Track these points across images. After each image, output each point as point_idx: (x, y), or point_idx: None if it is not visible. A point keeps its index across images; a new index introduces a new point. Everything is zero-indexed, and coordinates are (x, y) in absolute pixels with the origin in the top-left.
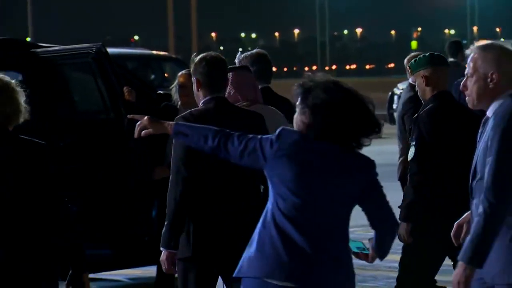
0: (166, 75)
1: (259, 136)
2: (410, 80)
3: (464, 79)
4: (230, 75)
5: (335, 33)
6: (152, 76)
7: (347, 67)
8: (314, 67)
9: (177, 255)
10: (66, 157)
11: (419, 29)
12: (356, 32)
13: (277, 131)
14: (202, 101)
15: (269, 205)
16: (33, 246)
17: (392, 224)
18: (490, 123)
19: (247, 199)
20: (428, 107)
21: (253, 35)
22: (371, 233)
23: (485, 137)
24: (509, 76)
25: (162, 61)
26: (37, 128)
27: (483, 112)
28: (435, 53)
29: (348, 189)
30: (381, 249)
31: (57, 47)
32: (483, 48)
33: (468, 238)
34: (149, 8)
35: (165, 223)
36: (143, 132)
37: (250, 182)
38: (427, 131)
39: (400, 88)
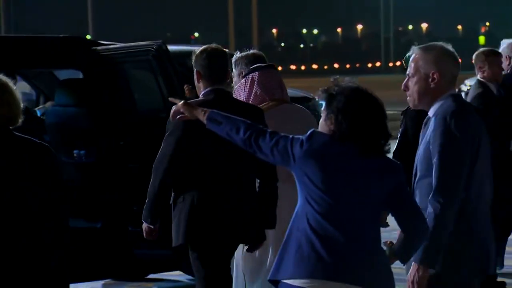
0: None
1: (290, 136)
2: (478, 76)
3: (406, 79)
4: (256, 74)
5: (400, 28)
6: None
7: None
8: (378, 64)
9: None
10: (126, 156)
11: (487, 23)
12: (421, 27)
13: (309, 132)
14: (202, 92)
15: (299, 208)
16: (27, 253)
17: (422, 229)
18: (431, 124)
19: (243, 189)
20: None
21: (315, 31)
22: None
23: (427, 137)
24: (449, 76)
25: None
26: (97, 127)
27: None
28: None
29: (375, 192)
30: (405, 253)
31: (117, 45)
32: (424, 48)
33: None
34: (209, 4)
35: (146, 200)
36: (178, 116)
37: (245, 174)
38: (412, 126)
39: (468, 84)
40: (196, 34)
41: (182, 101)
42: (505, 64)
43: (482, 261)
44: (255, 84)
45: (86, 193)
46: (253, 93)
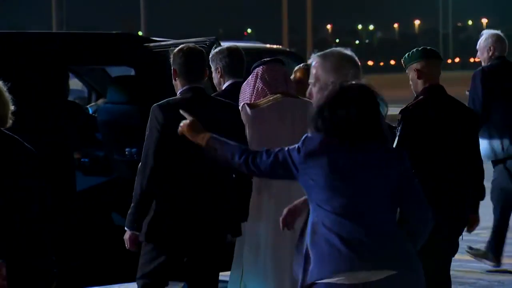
0: None
1: (285, 148)
2: None
3: (309, 87)
4: (260, 68)
5: (459, 24)
6: None
7: (471, 60)
8: None
9: (143, 238)
10: None
11: None
12: (481, 23)
13: (303, 137)
14: (180, 90)
15: (313, 218)
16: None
17: (426, 217)
18: None
19: (219, 189)
20: (418, 99)
21: (371, 27)
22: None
23: None
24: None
25: (276, 55)
26: None
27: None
28: (428, 47)
29: (381, 181)
30: (413, 242)
31: (170, 41)
32: (323, 56)
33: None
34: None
35: (131, 205)
36: (179, 129)
37: (222, 173)
38: (410, 124)
39: None
40: (249, 30)
41: (189, 121)
42: (486, 55)
43: None
44: (258, 79)
45: None
46: (255, 88)
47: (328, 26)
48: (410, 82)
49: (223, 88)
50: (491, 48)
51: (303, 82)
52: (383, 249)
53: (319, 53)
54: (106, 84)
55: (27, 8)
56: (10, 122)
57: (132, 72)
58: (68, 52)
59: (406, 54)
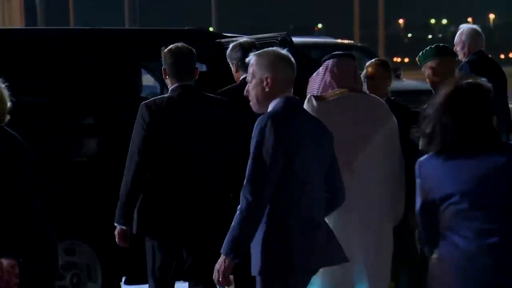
0: None
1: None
2: None
3: (247, 85)
4: (330, 62)
5: None
6: None
7: None
8: (511, 55)
9: (135, 230)
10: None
11: None
12: None
13: (416, 166)
14: (170, 88)
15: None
16: None
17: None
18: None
19: (208, 184)
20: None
21: (444, 21)
22: None
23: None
24: (282, 80)
25: (347, 50)
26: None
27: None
28: (441, 44)
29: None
30: None
31: (241, 37)
32: (259, 54)
33: (229, 231)
34: None
35: (119, 201)
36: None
37: (212, 168)
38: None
39: None
40: (320, 25)
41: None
42: (466, 50)
43: (285, 257)
44: (327, 72)
45: None
46: (323, 80)
47: (400, 21)
48: (427, 80)
49: (239, 82)
50: (470, 43)
51: (375, 78)
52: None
53: (255, 52)
54: None
55: (101, 5)
56: (7, 118)
57: (204, 68)
58: (141, 48)
59: (420, 53)
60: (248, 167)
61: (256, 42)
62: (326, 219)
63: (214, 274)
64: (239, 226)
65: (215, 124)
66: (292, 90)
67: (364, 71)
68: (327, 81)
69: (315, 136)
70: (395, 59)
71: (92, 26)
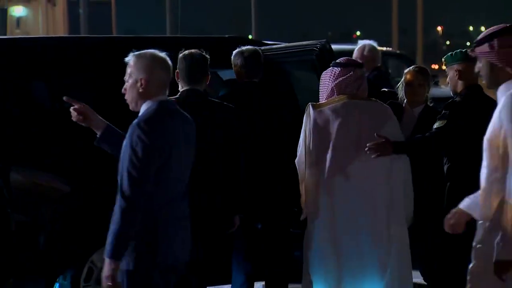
0: (389, 71)
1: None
2: None
3: (125, 84)
4: (335, 69)
5: None
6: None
7: None
8: None
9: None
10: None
11: None
12: None
13: None
14: (180, 91)
15: None
16: None
17: None
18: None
19: (210, 182)
20: (463, 96)
21: (482, 28)
22: None
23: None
24: (157, 82)
25: (385, 57)
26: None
27: None
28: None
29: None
30: None
31: (280, 45)
32: (137, 55)
33: (109, 233)
34: (372, 2)
35: None
36: (75, 118)
37: (212, 167)
38: (461, 115)
39: None
40: (358, 33)
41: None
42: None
43: (161, 255)
44: (331, 78)
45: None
46: (326, 87)
47: (439, 28)
48: (448, 81)
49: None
50: (371, 59)
51: (413, 85)
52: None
53: (134, 53)
54: (218, 87)
55: (143, 12)
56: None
57: None
58: None
59: (449, 54)
60: (125, 168)
61: (260, 50)
62: (326, 227)
63: (102, 282)
64: (119, 227)
65: (223, 126)
66: (167, 92)
67: (403, 78)
68: (329, 89)
69: (189, 137)
70: (433, 66)
71: (134, 34)
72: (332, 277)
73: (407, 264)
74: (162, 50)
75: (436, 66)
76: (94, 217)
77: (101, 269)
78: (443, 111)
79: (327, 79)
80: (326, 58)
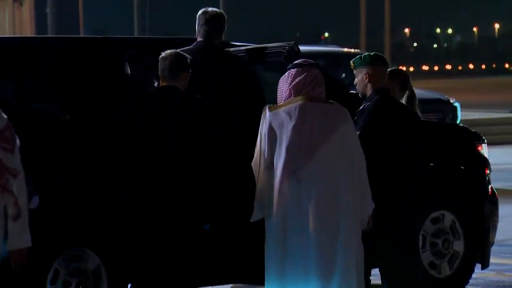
0: None
1: None
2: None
3: None
4: (293, 70)
5: None
6: (343, 75)
7: None
8: None
9: None
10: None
11: None
12: None
13: None
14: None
15: None
16: None
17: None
18: None
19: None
20: (372, 100)
21: (449, 31)
22: None
23: None
24: None
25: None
26: (229, 128)
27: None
28: (378, 54)
29: None
30: None
31: (249, 46)
32: None
33: None
34: (340, 3)
35: None
36: None
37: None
38: (371, 121)
39: None
40: (326, 34)
41: None
42: None
43: None
44: (288, 80)
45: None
46: (284, 88)
47: (406, 30)
48: (356, 83)
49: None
50: None
51: (389, 87)
52: None
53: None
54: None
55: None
56: None
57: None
58: (150, 57)
59: (358, 57)
60: None
61: (181, 52)
62: (278, 230)
63: None
64: None
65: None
66: None
67: None
68: (287, 90)
69: None
70: (400, 67)
71: (101, 35)
72: (276, 279)
73: (357, 270)
74: (129, 51)
75: (404, 68)
76: (58, 219)
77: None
78: (355, 119)
79: (284, 81)
80: (294, 59)
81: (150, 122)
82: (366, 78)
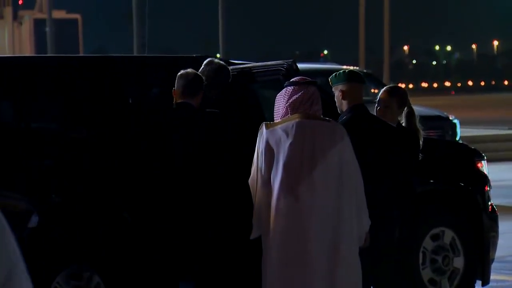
0: None
1: None
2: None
3: None
4: (289, 88)
5: None
6: None
7: None
8: None
9: None
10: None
11: None
12: None
13: None
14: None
15: None
16: None
17: None
18: None
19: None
20: (344, 117)
21: (448, 48)
22: None
23: None
24: None
25: None
26: (227, 146)
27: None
28: (354, 70)
29: None
30: None
31: (248, 64)
32: None
33: None
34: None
35: None
36: None
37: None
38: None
39: None
40: (325, 52)
41: None
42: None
43: None
44: (285, 97)
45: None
46: (281, 106)
47: (405, 47)
48: (336, 100)
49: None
50: None
51: (380, 105)
52: None
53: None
54: None
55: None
56: None
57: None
58: (150, 75)
59: (334, 74)
60: None
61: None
62: (277, 249)
63: None
64: None
65: (211, 131)
66: None
67: (378, 98)
68: (284, 107)
69: None
70: (399, 84)
71: (101, 53)
72: None
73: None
74: (128, 69)
75: (402, 85)
76: (57, 237)
77: None
78: None
79: (281, 98)
80: (292, 77)
81: (165, 137)
82: (340, 95)
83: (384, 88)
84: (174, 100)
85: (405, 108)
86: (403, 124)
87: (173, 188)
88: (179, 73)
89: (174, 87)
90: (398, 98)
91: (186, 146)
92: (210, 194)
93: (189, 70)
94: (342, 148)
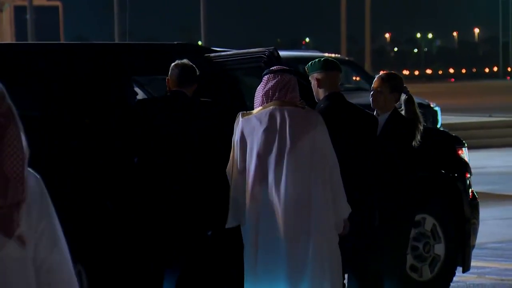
0: None
1: None
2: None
3: None
4: (266, 76)
5: None
6: None
7: None
8: (495, 69)
9: None
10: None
11: None
12: None
13: None
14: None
15: None
16: None
17: None
18: None
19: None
20: (321, 106)
21: (430, 35)
22: None
23: None
24: None
25: None
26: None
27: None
28: (329, 59)
29: None
30: None
31: (229, 52)
32: None
33: None
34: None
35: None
36: None
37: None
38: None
39: None
40: (307, 39)
41: None
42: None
43: None
44: (262, 86)
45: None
46: (259, 94)
47: (387, 35)
48: (312, 88)
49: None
50: None
51: (373, 91)
52: None
53: None
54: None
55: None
56: None
57: None
58: (131, 62)
59: (310, 63)
60: None
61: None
62: (252, 235)
63: None
64: None
65: (204, 121)
66: None
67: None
68: (261, 96)
69: None
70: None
71: (82, 41)
72: (250, 281)
73: (333, 274)
74: (110, 56)
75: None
76: None
77: None
78: None
79: (260, 87)
80: (274, 65)
81: (158, 125)
82: (316, 83)
83: (377, 76)
84: (168, 88)
85: (404, 96)
86: (402, 112)
87: (163, 177)
88: (174, 63)
89: (167, 77)
90: (390, 83)
91: (183, 134)
92: (204, 183)
93: (184, 60)
94: (314, 135)
